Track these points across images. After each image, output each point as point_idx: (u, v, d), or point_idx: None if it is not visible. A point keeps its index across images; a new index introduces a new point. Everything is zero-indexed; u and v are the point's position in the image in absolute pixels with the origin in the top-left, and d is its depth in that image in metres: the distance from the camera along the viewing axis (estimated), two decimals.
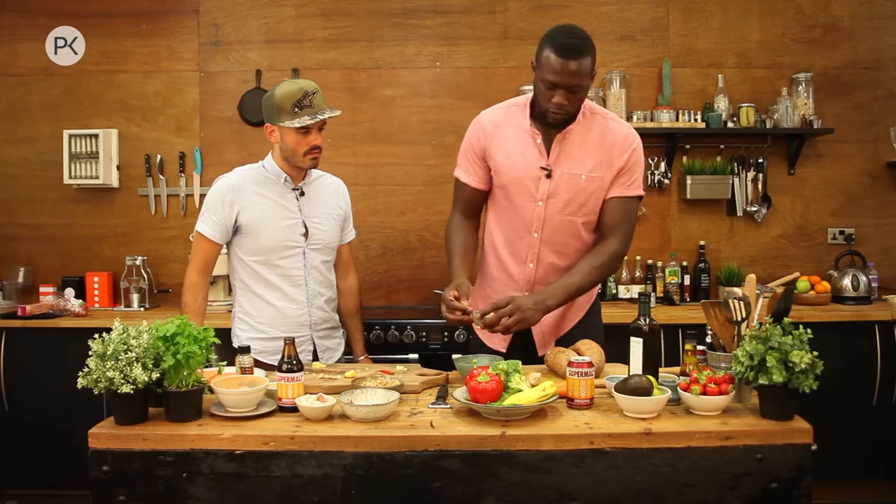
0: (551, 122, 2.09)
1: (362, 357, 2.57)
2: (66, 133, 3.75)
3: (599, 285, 2.40)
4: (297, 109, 2.24)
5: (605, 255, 2.14)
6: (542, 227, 2.18)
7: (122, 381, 1.58)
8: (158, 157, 3.87)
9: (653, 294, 3.68)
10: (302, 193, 2.40)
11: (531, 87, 3.64)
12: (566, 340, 2.25)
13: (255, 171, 2.41)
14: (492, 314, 1.95)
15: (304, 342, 2.41)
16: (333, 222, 2.46)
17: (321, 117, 2.26)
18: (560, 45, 1.97)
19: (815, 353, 1.59)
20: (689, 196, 3.75)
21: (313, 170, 2.45)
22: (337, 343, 2.54)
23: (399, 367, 2.16)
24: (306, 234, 2.38)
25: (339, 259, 2.55)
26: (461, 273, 2.17)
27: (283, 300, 2.38)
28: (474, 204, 2.32)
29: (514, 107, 2.23)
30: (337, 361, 2.50)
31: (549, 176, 2.14)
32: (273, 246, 2.34)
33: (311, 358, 2.42)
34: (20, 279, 3.76)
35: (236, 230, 2.35)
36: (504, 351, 2.28)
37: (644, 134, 3.69)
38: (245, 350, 1.91)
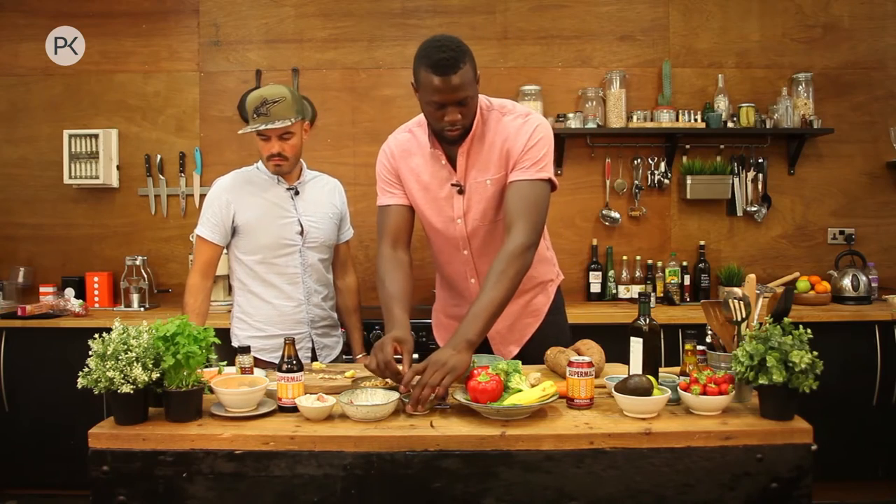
0: (450, 139, 1.99)
1: (361, 355, 2.59)
2: (66, 133, 3.75)
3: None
4: (255, 116, 2.30)
5: (508, 255, 1.88)
6: (468, 244, 2.13)
7: (122, 381, 1.58)
8: (158, 157, 3.87)
9: (653, 294, 3.69)
10: (297, 193, 2.43)
11: (532, 87, 3.69)
12: (531, 346, 2.22)
13: (249, 172, 2.45)
14: (417, 390, 1.67)
15: (303, 339, 2.43)
16: (329, 221, 2.48)
17: (262, 127, 2.28)
18: (435, 62, 1.84)
19: (815, 353, 1.59)
20: (689, 196, 3.75)
21: (309, 170, 2.50)
22: (335, 341, 2.55)
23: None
24: (302, 233, 2.40)
25: (336, 258, 2.57)
26: (403, 322, 1.92)
27: (280, 298, 2.39)
28: (402, 228, 2.14)
29: (417, 127, 2.12)
30: (335, 360, 2.51)
31: (461, 192, 2.07)
32: (269, 244, 2.37)
33: (309, 356, 2.43)
34: (20, 279, 3.76)
35: (234, 230, 2.38)
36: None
37: (644, 134, 3.75)
38: (245, 350, 1.91)
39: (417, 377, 1.69)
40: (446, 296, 2.33)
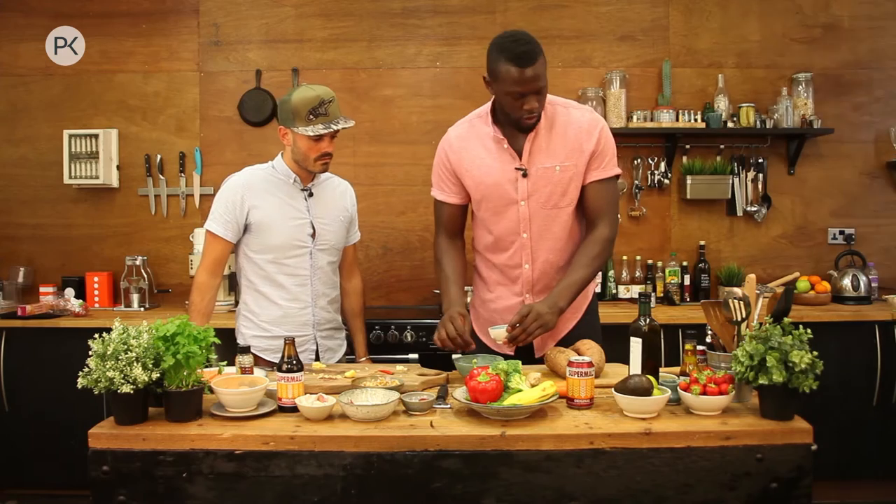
0: (526, 127, 2.12)
1: (364, 358, 2.59)
2: (66, 133, 3.75)
3: (598, 286, 2.42)
4: (311, 117, 2.26)
5: (598, 244, 2.17)
6: (529, 226, 2.21)
7: (122, 381, 1.58)
8: (158, 157, 3.87)
9: (653, 294, 3.68)
10: (311, 194, 2.42)
11: None
12: (565, 341, 2.25)
13: (264, 170, 2.43)
14: (518, 329, 2.00)
15: (307, 342, 2.42)
16: (340, 224, 2.48)
17: (335, 128, 2.29)
18: (516, 56, 1.99)
19: (815, 353, 1.59)
20: (689, 196, 3.75)
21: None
22: (339, 344, 2.55)
23: (399, 367, 2.16)
24: (314, 235, 2.39)
25: (343, 260, 2.56)
26: (460, 299, 2.21)
27: (287, 299, 2.39)
28: (457, 221, 2.35)
29: (476, 119, 2.26)
30: (338, 362, 2.51)
31: (525, 175, 2.17)
32: (281, 244, 2.36)
33: (313, 357, 2.43)
34: (20, 279, 3.76)
35: (246, 228, 2.36)
36: (512, 353, 2.27)
37: (644, 134, 3.75)
38: (245, 350, 1.91)
39: (518, 323, 2.00)
40: (486, 290, 2.36)
